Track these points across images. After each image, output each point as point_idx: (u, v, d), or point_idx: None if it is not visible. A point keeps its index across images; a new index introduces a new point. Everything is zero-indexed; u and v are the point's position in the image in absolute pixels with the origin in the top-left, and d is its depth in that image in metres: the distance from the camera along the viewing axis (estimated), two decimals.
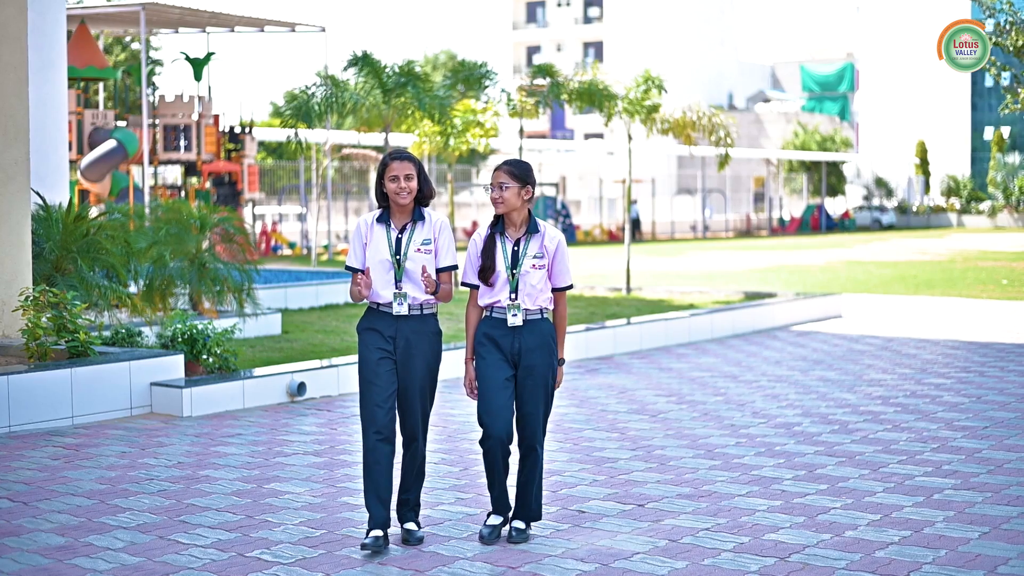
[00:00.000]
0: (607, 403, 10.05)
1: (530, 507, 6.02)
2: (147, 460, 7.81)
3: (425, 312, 5.91)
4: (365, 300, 5.97)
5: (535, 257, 5.89)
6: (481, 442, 5.89)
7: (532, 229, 5.93)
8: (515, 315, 5.84)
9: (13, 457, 7.86)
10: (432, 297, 5.91)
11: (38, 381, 8.83)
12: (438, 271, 5.92)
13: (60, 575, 5.44)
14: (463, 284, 6.02)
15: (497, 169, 5.92)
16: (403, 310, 5.84)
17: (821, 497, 6.83)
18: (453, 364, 10.36)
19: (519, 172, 5.88)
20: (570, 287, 6.01)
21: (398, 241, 5.88)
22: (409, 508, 6.03)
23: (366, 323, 5.97)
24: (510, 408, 5.85)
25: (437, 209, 43.16)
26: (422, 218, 5.94)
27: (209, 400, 9.49)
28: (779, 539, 5.99)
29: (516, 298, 5.85)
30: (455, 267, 5.98)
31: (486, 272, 5.88)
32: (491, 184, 5.93)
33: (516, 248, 5.90)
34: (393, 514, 6.09)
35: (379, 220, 5.94)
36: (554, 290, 5.98)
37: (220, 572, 5.50)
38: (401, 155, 5.84)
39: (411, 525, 5.97)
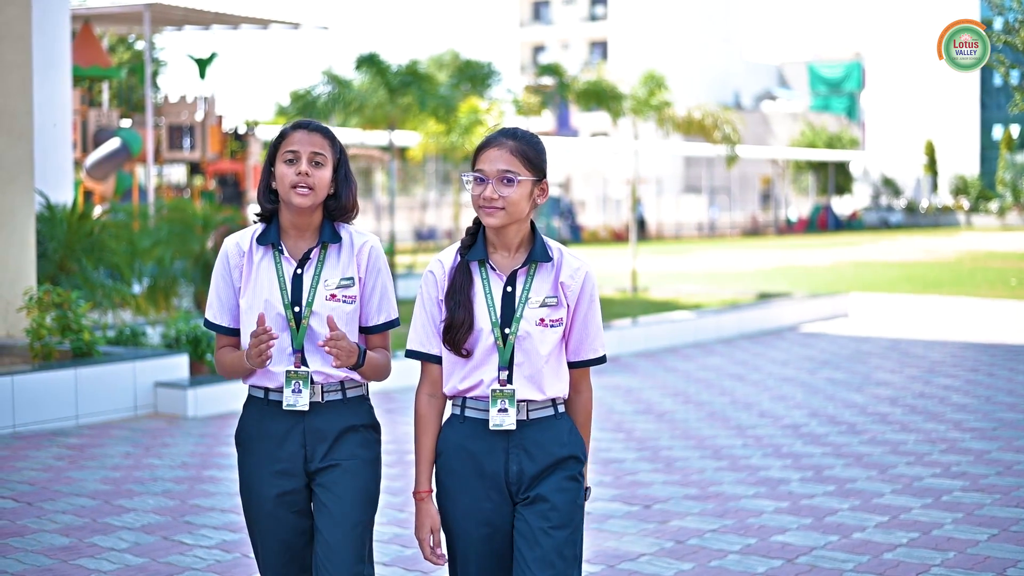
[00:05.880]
0: (613, 403, 10.00)
1: None
2: (151, 460, 7.79)
3: (349, 395, 3.47)
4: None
5: (545, 304, 3.33)
6: None
7: (539, 255, 3.33)
8: (504, 410, 3.29)
9: (17, 457, 7.84)
10: (352, 371, 3.45)
11: (42, 381, 8.81)
12: (367, 331, 3.51)
13: None
14: (409, 354, 3.41)
15: (493, 145, 3.33)
16: (301, 402, 3.40)
17: (829, 498, 6.79)
18: None
19: (535, 156, 3.33)
20: (602, 359, 3.49)
21: (297, 280, 3.43)
22: None
23: (248, 428, 3.59)
24: None
25: (440, 209, 42.61)
26: (337, 240, 3.45)
27: (214, 400, 9.46)
28: (786, 540, 5.95)
29: (510, 380, 3.32)
30: (395, 324, 3.53)
31: (456, 331, 3.30)
32: (481, 174, 3.30)
33: (510, 288, 3.33)
34: None
35: (262, 241, 3.46)
36: (575, 365, 3.45)
37: (224, 573, 5.47)
38: (310, 125, 3.43)
39: None
